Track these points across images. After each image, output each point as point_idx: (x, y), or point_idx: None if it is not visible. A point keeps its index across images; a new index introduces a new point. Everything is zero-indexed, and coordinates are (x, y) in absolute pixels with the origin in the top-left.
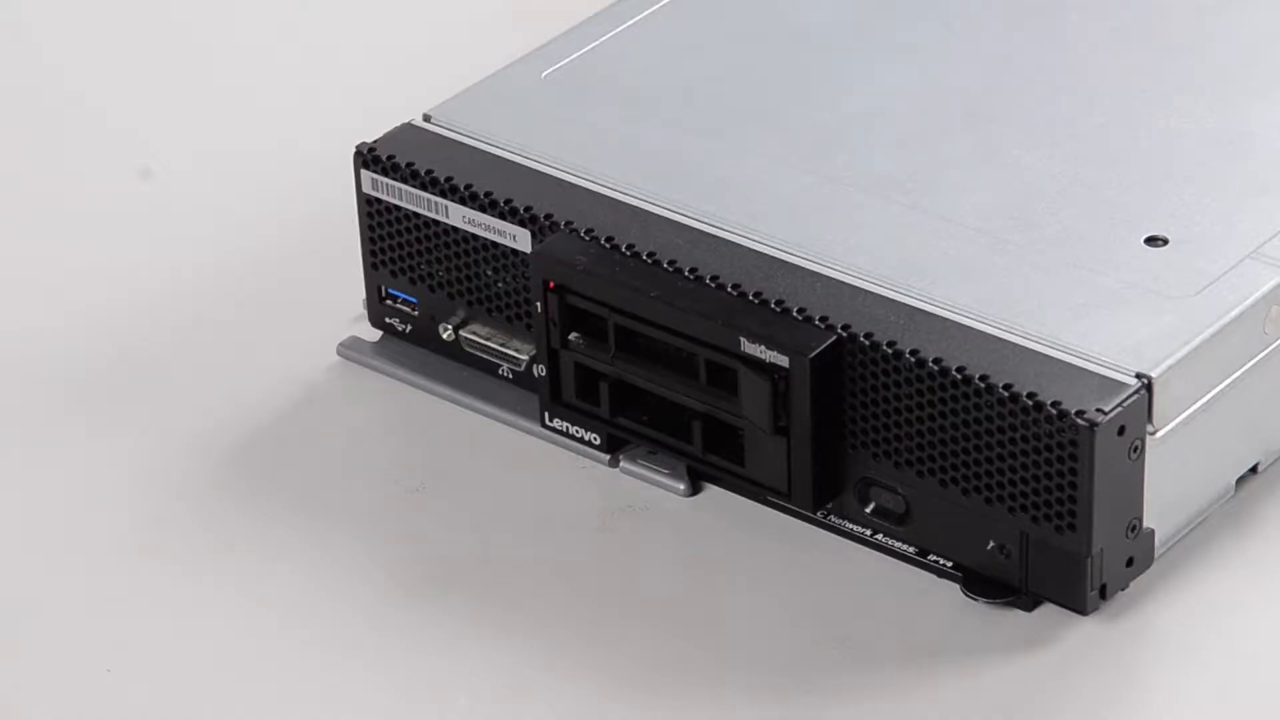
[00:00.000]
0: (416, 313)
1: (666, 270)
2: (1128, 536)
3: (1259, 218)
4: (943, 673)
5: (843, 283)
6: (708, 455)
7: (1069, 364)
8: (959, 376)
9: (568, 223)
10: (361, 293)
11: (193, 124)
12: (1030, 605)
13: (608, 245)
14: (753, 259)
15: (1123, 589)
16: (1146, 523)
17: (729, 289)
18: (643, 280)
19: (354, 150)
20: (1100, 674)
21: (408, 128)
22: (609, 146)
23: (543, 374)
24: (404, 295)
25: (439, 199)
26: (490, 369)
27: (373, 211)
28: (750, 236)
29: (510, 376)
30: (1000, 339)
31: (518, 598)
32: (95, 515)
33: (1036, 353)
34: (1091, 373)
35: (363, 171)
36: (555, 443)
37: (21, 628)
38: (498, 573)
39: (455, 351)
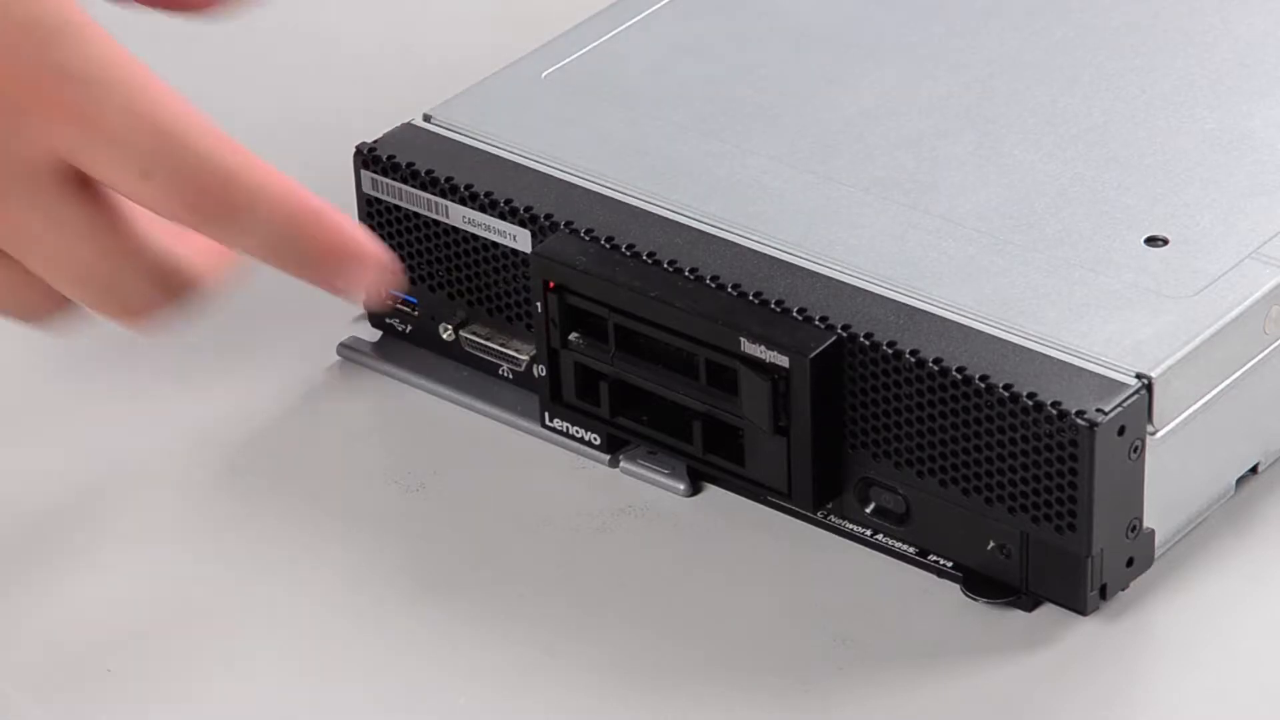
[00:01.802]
0: (416, 313)
1: (666, 270)
2: (1128, 536)
3: (1259, 218)
4: (943, 673)
5: (843, 283)
6: (708, 455)
7: (1069, 364)
8: (959, 376)
9: (568, 223)
10: None
11: None
12: (1030, 605)
13: (608, 245)
14: (753, 259)
15: (1123, 589)
16: (1146, 523)
17: (729, 289)
18: (643, 280)
19: (354, 150)
20: (1100, 674)
21: (408, 128)
22: (609, 146)
23: (543, 374)
24: (404, 295)
25: (439, 199)
26: (490, 369)
27: (373, 211)
28: (750, 236)
29: (510, 376)
30: (1000, 339)
31: (518, 598)
32: (95, 514)
33: (1036, 353)
34: (1091, 373)
35: (363, 171)
36: (555, 443)
37: (21, 627)
38: (498, 573)
39: (455, 351)
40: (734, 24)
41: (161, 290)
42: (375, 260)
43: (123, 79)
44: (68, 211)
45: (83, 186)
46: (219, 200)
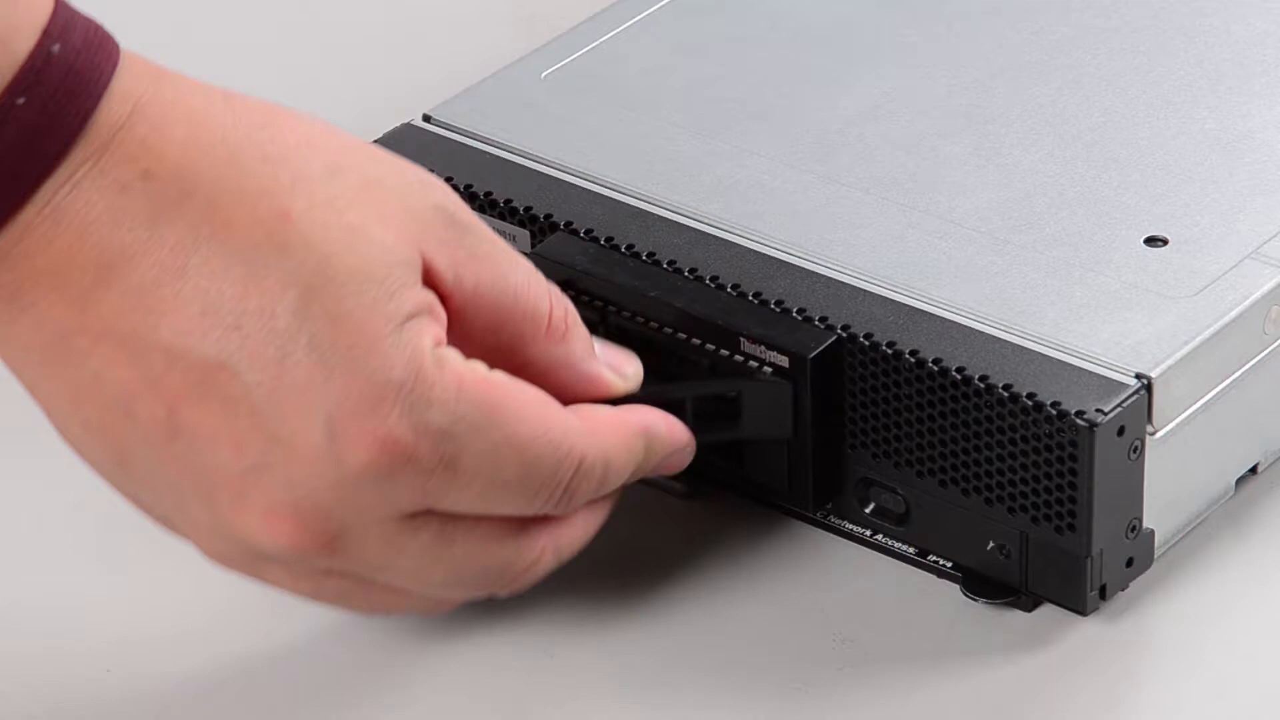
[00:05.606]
0: None
1: (666, 270)
2: (1128, 537)
3: (1259, 218)
4: (943, 673)
5: (843, 283)
6: (707, 455)
7: (1069, 364)
8: (959, 376)
9: (568, 223)
10: None
11: None
12: (1030, 605)
13: (608, 245)
14: (753, 259)
15: (1123, 589)
16: (1146, 523)
17: (729, 289)
18: (643, 280)
19: None
20: (1100, 674)
21: (408, 128)
22: (609, 146)
23: None
24: None
25: None
26: None
27: None
28: (750, 236)
29: None
30: (1000, 339)
31: (517, 598)
32: (95, 514)
33: (1036, 353)
34: (1091, 373)
35: None
36: None
37: (22, 627)
38: None
39: None
40: (733, 24)
41: (527, 566)
42: (690, 449)
43: (482, 422)
44: (415, 544)
45: (427, 516)
46: (584, 498)
